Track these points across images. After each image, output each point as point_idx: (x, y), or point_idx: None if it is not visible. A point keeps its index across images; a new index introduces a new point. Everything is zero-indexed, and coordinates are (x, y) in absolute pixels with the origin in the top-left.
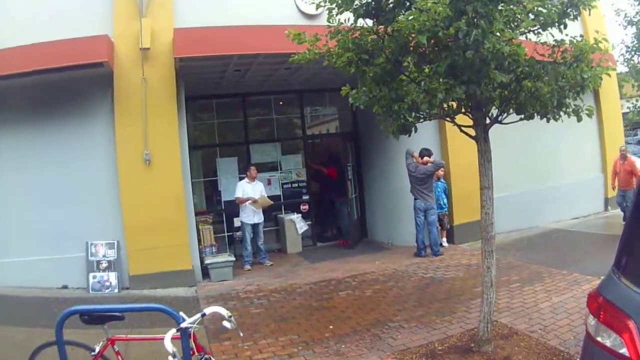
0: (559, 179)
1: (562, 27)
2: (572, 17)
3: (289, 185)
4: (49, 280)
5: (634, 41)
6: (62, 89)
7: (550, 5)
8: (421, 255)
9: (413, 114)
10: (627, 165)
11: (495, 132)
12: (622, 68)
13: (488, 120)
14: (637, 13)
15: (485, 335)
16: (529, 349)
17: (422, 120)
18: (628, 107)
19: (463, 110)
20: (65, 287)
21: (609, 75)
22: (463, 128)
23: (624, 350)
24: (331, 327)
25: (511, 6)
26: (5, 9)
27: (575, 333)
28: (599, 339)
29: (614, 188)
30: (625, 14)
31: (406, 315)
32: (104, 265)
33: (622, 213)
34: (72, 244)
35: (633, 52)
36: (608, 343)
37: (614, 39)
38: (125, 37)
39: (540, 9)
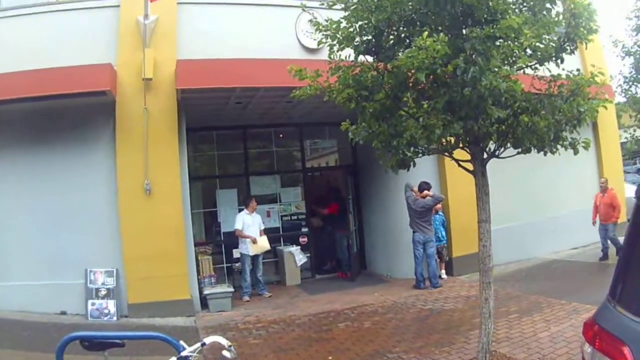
0: (558, 210)
1: (559, 61)
2: (569, 51)
3: (288, 218)
4: (48, 305)
5: (631, 72)
6: (64, 116)
7: (547, 40)
8: (420, 287)
9: (412, 149)
10: (607, 198)
11: (493, 165)
12: (620, 98)
13: (485, 155)
14: (634, 44)
15: None
16: None
17: (420, 155)
18: (626, 137)
19: (461, 145)
20: (63, 313)
21: (605, 107)
22: (461, 162)
23: None
24: (330, 358)
25: (508, 42)
26: (9, 33)
27: None
28: None
29: (594, 223)
30: (623, 45)
31: (405, 347)
32: (103, 292)
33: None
34: (72, 270)
35: (631, 83)
36: None
37: (612, 69)
38: (129, 67)
39: (537, 44)
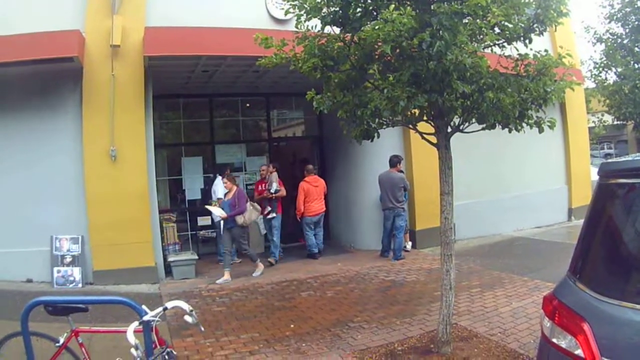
0: (524, 189)
1: (527, 41)
2: (537, 32)
3: (253, 186)
4: (13, 273)
5: (602, 58)
6: (30, 82)
7: (516, 20)
8: (385, 255)
9: (376, 119)
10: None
11: (461, 142)
12: (590, 84)
13: (450, 129)
14: (607, 31)
15: (444, 337)
16: (488, 351)
17: (384, 126)
18: (594, 122)
19: (425, 118)
20: (29, 280)
21: (572, 89)
22: (425, 135)
23: (579, 352)
24: (292, 326)
25: (477, 20)
26: None
27: (535, 337)
28: (554, 340)
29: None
30: (595, 32)
31: (367, 317)
32: (68, 259)
33: None
34: (37, 237)
35: (601, 69)
36: (563, 344)
37: (583, 55)
38: (97, 33)
39: (506, 23)
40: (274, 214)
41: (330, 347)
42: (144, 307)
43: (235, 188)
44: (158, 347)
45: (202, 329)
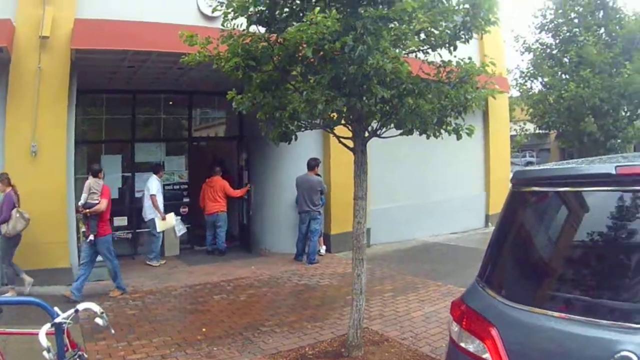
0: (444, 195)
1: (452, 48)
2: (463, 39)
3: (171, 187)
4: None
5: (529, 67)
6: None
7: (443, 27)
8: (298, 259)
9: (294, 122)
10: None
11: (385, 146)
12: (516, 93)
13: (367, 134)
14: (536, 41)
15: (355, 341)
16: (399, 355)
17: (303, 129)
18: (515, 130)
19: (344, 122)
20: None
21: (494, 97)
22: (342, 139)
23: (487, 356)
24: (204, 329)
25: (403, 26)
26: None
27: (447, 341)
28: (462, 344)
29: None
30: (524, 41)
31: (278, 320)
32: None
33: None
34: None
35: (527, 78)
36: (471, 349)
37: (511, 63)
38: (28, 23)
39: (432, 29)
40: (92, 237)
41: (241, 351)
42: (55, 308)
43: (8, 190)
44: (70, 350)
45: (113, 331)
